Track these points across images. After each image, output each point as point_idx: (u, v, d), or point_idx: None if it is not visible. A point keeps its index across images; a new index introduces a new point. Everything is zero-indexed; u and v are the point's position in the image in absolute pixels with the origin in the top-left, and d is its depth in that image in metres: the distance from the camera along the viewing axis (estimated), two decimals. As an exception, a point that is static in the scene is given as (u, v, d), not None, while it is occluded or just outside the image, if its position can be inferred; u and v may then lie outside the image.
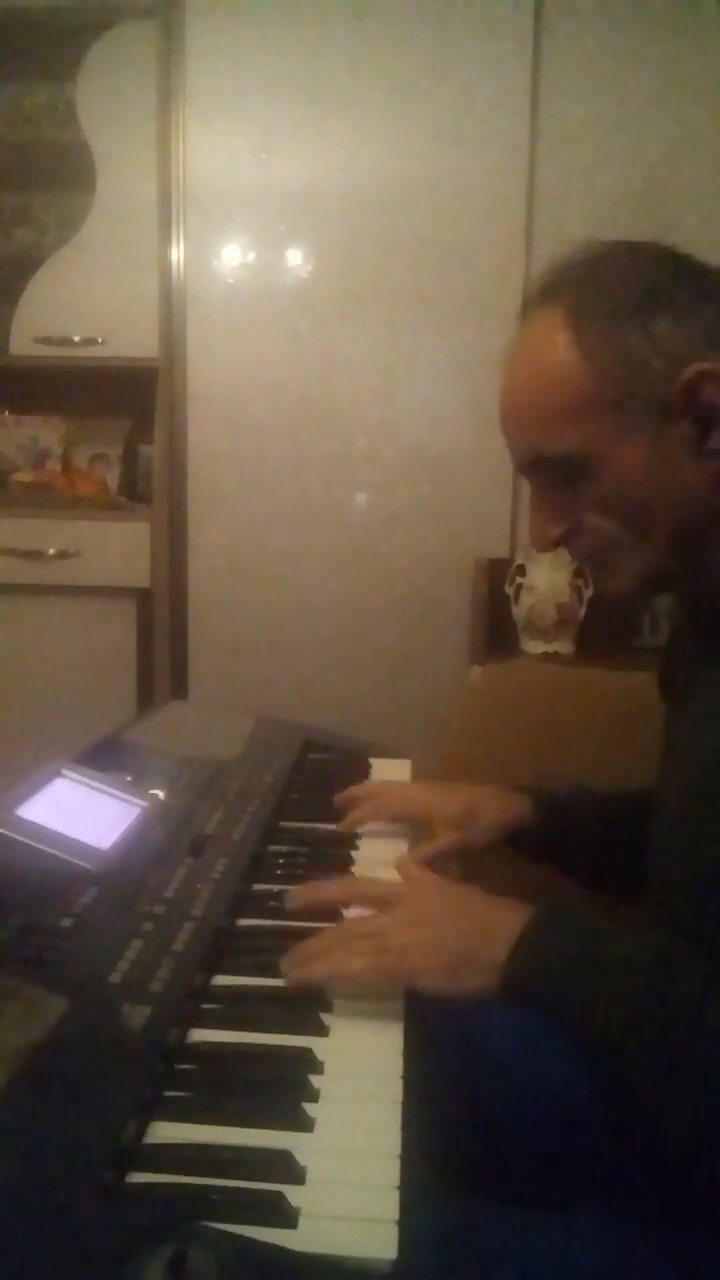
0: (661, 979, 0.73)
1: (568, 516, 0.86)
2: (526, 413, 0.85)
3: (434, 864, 1.10)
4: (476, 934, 0.78)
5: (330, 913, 0.91)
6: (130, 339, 2.26)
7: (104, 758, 1.18)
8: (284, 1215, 0.56)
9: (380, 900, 0.88)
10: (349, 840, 1.13)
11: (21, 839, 0.90)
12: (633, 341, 0.80)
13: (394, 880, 0.99)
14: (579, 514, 0.85)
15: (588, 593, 2.10)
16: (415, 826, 1.16)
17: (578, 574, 2.09)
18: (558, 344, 0.82)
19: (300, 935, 0.90)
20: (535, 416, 0.84)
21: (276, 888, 0.99)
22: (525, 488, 0.94)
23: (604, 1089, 0.85)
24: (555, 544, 0.88)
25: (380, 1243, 0.55)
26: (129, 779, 1.12)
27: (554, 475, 0.85)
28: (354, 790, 1.21)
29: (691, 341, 0.80)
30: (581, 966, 0.75)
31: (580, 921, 0.78)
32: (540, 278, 0.86)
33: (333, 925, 0.86)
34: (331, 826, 1.16)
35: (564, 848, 1.12)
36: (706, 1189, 0.72)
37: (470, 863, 1.12)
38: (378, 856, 1.09)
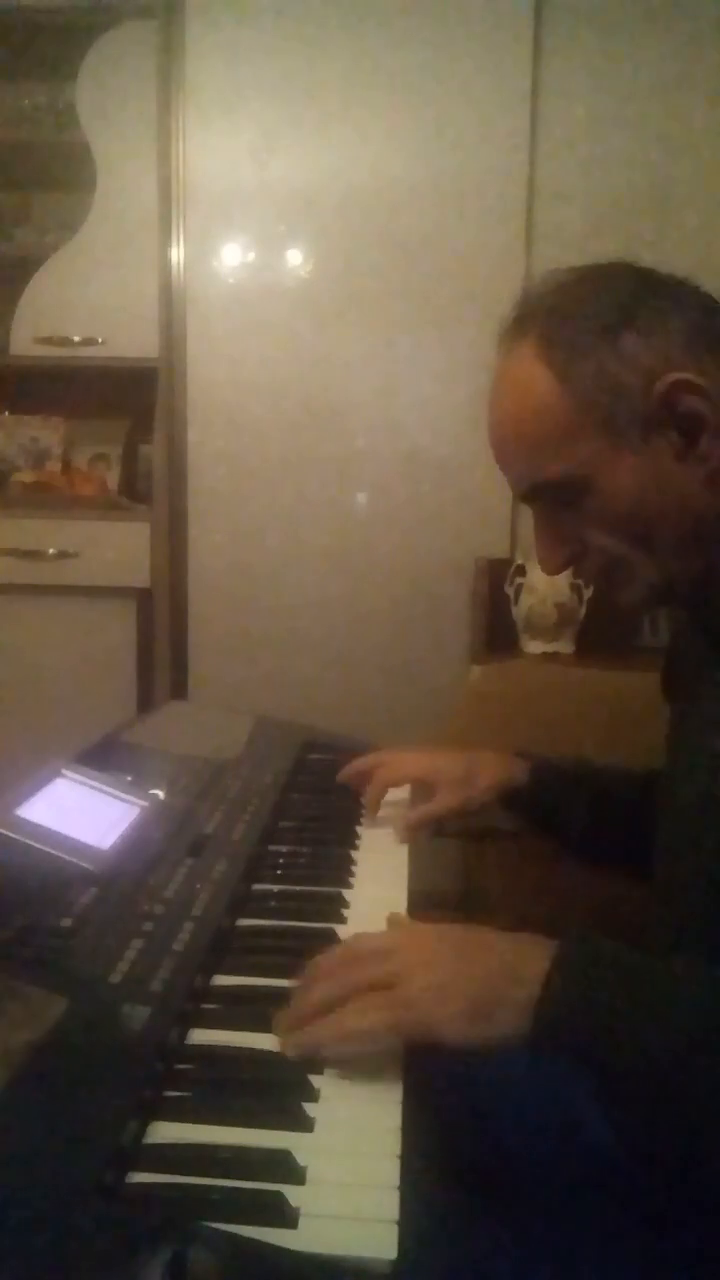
0: (710, 1001, 0.68)
1: (571, 539, 0.88)
2: (515, 444, 0.87)
3: (436, 823, 1.15)
4: (498, 973, 0.69)
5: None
6: (130, 339, 2.26)
7: (104, 758, 1.18)
8: (284, 1215, 0.56)
9: (377, 954, 0.75)
10: (349, 839, 1.14)
11: (21, 839, 0.90)
12: (604, 362, 0.81)
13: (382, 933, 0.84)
14: (582, 535, 0.87)
15: (588, 593, 2.10)
16: (416, 791, 1.20)
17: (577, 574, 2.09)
18: (533, 375, 0.83)
19: (300, 935, 0.90)
20: (524, 446, 0.86)
21: (276, 888, 0.99)
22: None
23: (624, 1117, 0.82)
24: (563, 567, 0.90)
25: (380, 1243, 0.55)
26: (129, 779, 1.11)
27: (552, 500, 0.87)
28: (357, 764, 1.24)
29: (662, 354, 0.81)
30: (624, 995, 0.67)
31: (610, 950, 0.71)
32: (512, 311, 0.88)
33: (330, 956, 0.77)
34: (330, 832, 1.16)
35: (555, 811, 1.15)
36: None
37: (470, 820, 1.16)
38: (379, 848, 1.11)
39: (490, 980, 0.69)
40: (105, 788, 1.06)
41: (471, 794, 1.14)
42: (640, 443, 0.82)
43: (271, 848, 1.09)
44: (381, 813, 1.19)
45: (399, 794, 1.22)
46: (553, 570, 0.91)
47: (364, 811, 1.20)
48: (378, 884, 1.03)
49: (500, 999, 0.68)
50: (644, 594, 0.87)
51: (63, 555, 2.27)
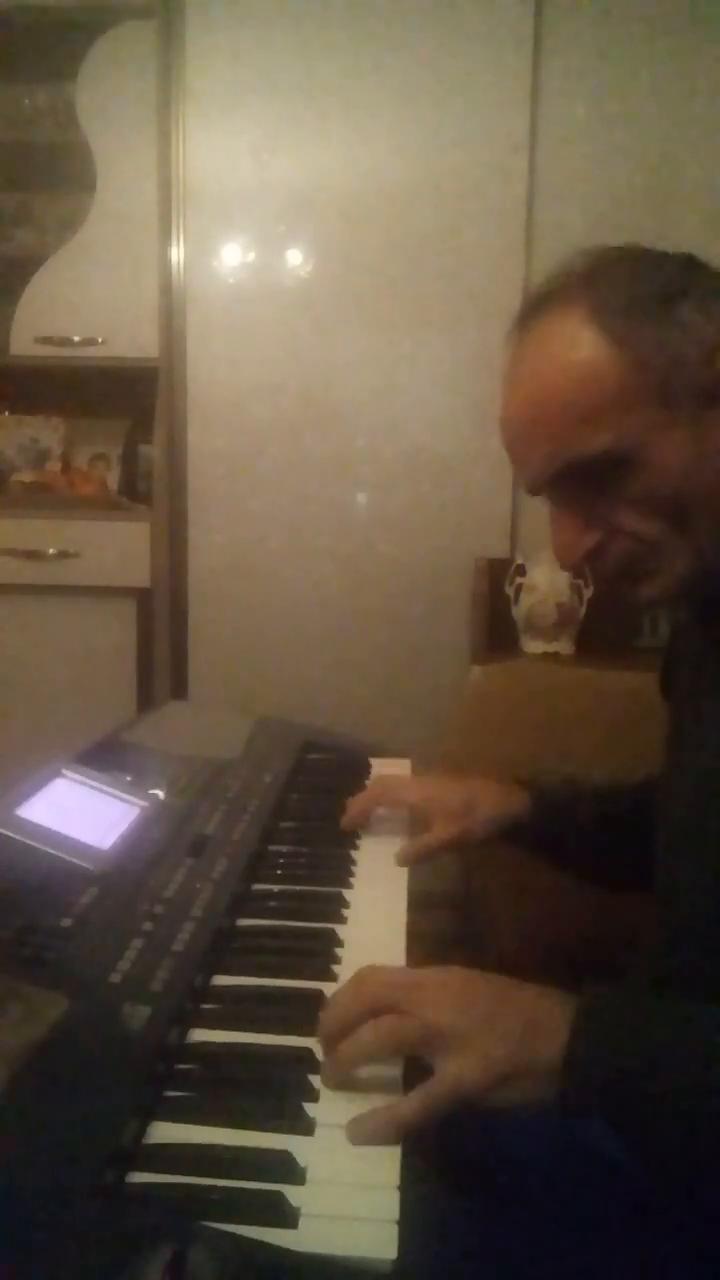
0: None
1: (600, 525, 0.83)
2: (554, 420, 0.81)
3: (432, 855, 1.11)
4: (520, 1035, 0.68)
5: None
6: (130, 339, 2.26)
7: (104, 758, 1.18)
8: (284, 1215, 0.56)
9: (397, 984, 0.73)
10: (349, 839, 1.13)
11: (21, 839, 0.90)
12: (663, 331, 0.79)
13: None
14: (613, 520, 0.82)
15: (588, 593, 2.10)
16: (414, 819, 1.17)
17: (578, 574, 2.09)
18: (584, 340, 0.80)
19: (300, 935, 0.90)
20: (566, 419, 0.81)
21: (276, 888, 0.99)
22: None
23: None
24: (585, 558, 0.85)
25: (380, 1243, 0.55)
26: (129, 779, 1.12)
27: (583, 482, 0.82)
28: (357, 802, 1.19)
29: None
30: (647, 1056, 0.67)
31: (629, 1007, 0.70)
32: (543, 286, 0.85)
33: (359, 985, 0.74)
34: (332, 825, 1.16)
35: (559, 843, 1.13)
36: None
37: (468, 854, 1.12)
38: (379, 848, 1.11)
39: (516, 1042, 0.67)
40: (105, 788, 1.06)
41: (470, 826, 1.11)
42: (692, 417, 0.79)
43: (271, 848, 1.09)
44: (382, 834, 1.15)
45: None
46: (573, 561, 0.85)
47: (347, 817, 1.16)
48: (378, 884, 1.03)
49: (528, 1067, 0.67)
50: (667, 586, 0.83)
51: (63, 555, 2.27)
